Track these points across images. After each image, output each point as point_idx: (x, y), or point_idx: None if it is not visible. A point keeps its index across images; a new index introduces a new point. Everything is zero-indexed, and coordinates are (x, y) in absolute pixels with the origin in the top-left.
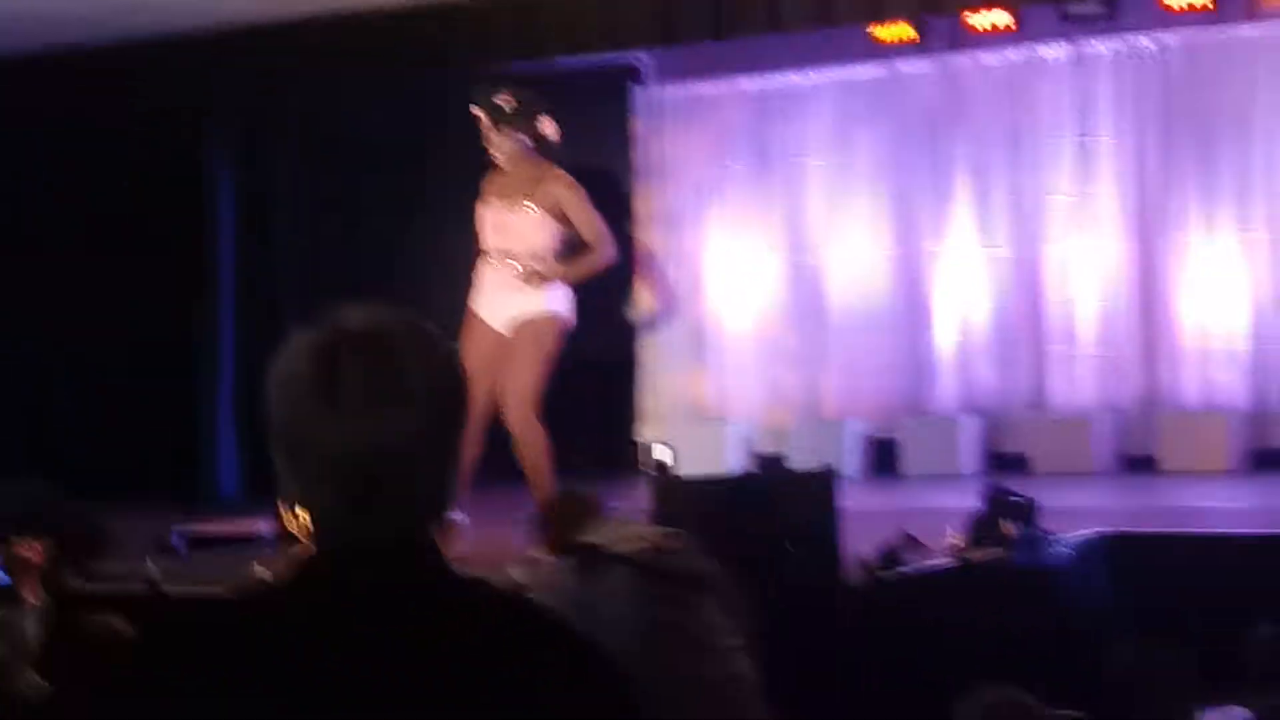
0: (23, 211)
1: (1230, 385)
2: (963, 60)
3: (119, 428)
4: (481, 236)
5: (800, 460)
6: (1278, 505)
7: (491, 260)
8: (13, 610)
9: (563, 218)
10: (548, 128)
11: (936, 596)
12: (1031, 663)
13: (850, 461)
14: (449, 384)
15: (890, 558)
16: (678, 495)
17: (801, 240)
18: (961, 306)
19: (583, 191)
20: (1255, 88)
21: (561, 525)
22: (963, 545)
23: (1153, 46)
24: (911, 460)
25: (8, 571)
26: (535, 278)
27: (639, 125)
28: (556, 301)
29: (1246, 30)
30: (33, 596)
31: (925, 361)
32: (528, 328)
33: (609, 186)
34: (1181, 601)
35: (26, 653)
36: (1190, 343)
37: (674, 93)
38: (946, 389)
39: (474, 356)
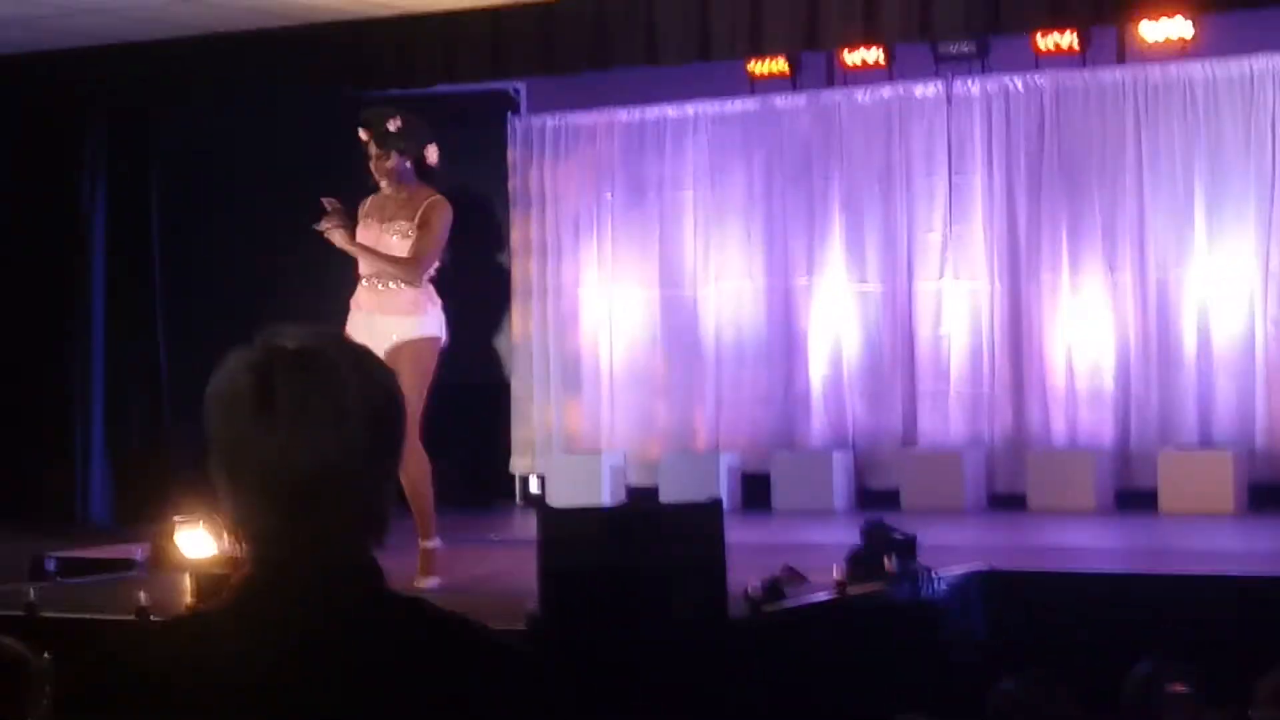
0: None
1: (1097, 425)
2: (836, 96)
3: None
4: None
5: (672, 493)
6: (1143, 544)
7: (366, 283)
8: None
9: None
10: (431, 154)
11: (819, 629)
12: (912, 695)
13: (722, 495)
14: (384, 402)
15: (773, 591)
16: (563, 526)
17: (676, 272)
18: (833, 341)
19: (449, 215)
20: (1123, 130)
21: None
22: (843, 579)
23: (1022, 88)
24: (783, 495)
25: None
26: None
27: (515, 154)
28: (432, 324)
29: (1114, 73)
30: None
31: (797, 396)
32: (406, 350)
33: (484, 215)
34: (1057, 636)
35: None
36: (1058, 382)
37: (550, 122)
38: (818, 424)
39: None
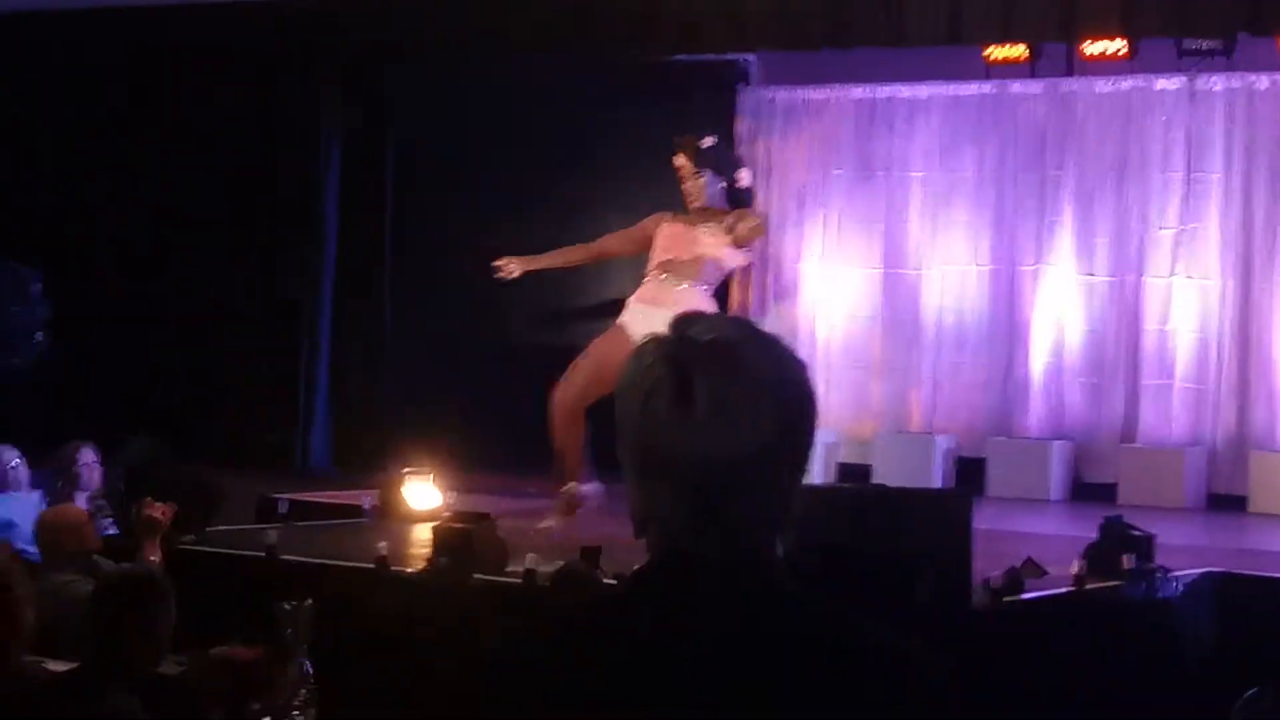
0: (136, 178)
1: None
2: (1074, 85)
3: (218, 395)
4: (653, 251)
5: (886, 473)
6: None
7: (657, 277)
8: (135, 567)
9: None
10: (744, 177)
11: (1056, 622)
12: (1144, 696)
13: (935, 478)
14: (796, 395)
15: (1013, 582)
16: (807, 504)
17: (900, 252)
18: (1057, 330)
19: (760, 226)
20: None
21: None
22: (1081, 573)
23: (1267, 87)
24: (998, 481)
25: (134, 530)
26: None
27: (744, 125)
28: None
29: None
30: (154, 555)
31: (1017, 382)
32: None
33: None
34: None
35: None
36: None
37: (780, 95)
38: (1036, 412)
39: (605, 362)
